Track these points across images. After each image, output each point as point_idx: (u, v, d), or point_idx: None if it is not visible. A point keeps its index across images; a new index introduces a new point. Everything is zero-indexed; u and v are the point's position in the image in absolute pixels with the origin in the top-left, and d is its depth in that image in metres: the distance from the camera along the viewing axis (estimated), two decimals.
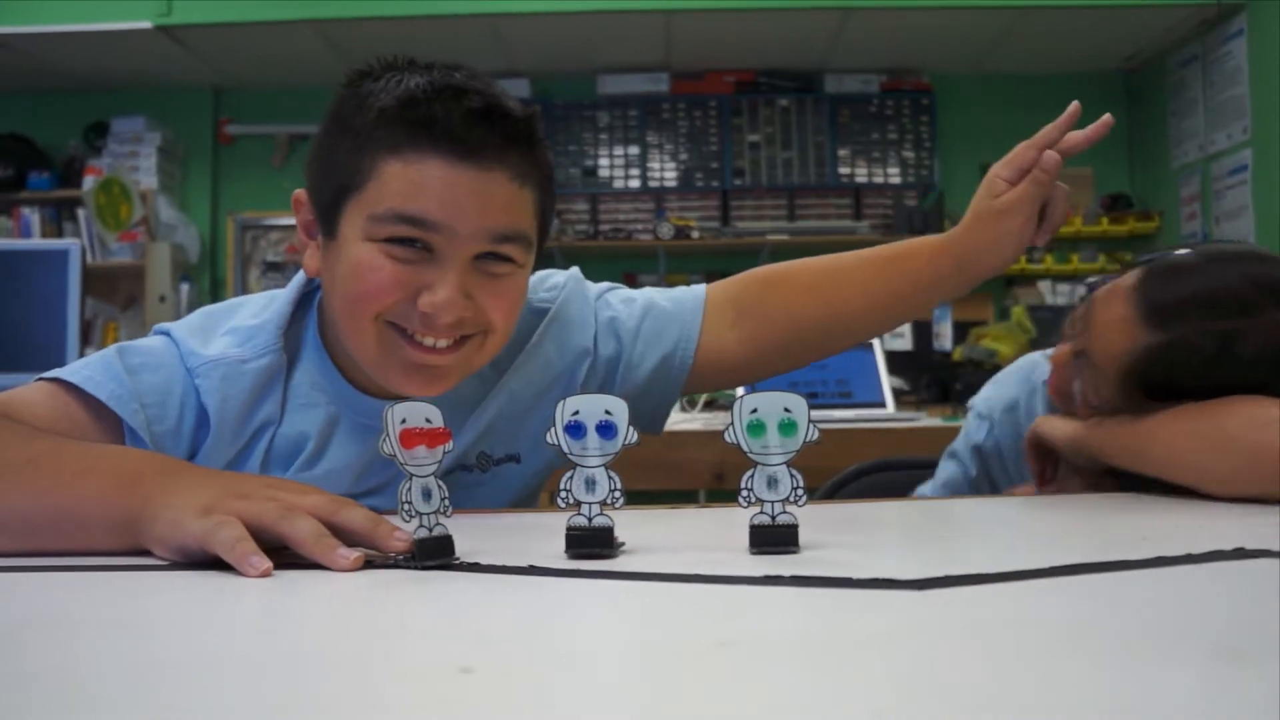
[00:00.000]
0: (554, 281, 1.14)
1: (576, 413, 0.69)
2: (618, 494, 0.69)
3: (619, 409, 0.69)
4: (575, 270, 1.17)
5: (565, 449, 0.69)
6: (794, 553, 0.70)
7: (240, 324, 1.01)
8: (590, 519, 0.69)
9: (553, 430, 0.69)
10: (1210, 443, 0.97)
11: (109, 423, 0.93)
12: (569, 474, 0.70)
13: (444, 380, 0.96)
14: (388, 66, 0.97)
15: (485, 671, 0.42)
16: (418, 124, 0.90)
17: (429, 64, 0.97)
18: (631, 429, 0.69)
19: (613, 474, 0.69)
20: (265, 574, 0.63)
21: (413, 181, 0.90)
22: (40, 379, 0.95)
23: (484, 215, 0.92)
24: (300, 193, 1.00)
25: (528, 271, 0.99)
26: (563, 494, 0.70)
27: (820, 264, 1.16)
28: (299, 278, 1.05)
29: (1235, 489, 0.94)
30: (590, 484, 0.69)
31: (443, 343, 0.94)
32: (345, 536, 0.68)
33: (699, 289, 1.17)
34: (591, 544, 0.69)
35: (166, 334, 1.01)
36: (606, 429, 0.69)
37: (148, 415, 0.94)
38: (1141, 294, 1.06)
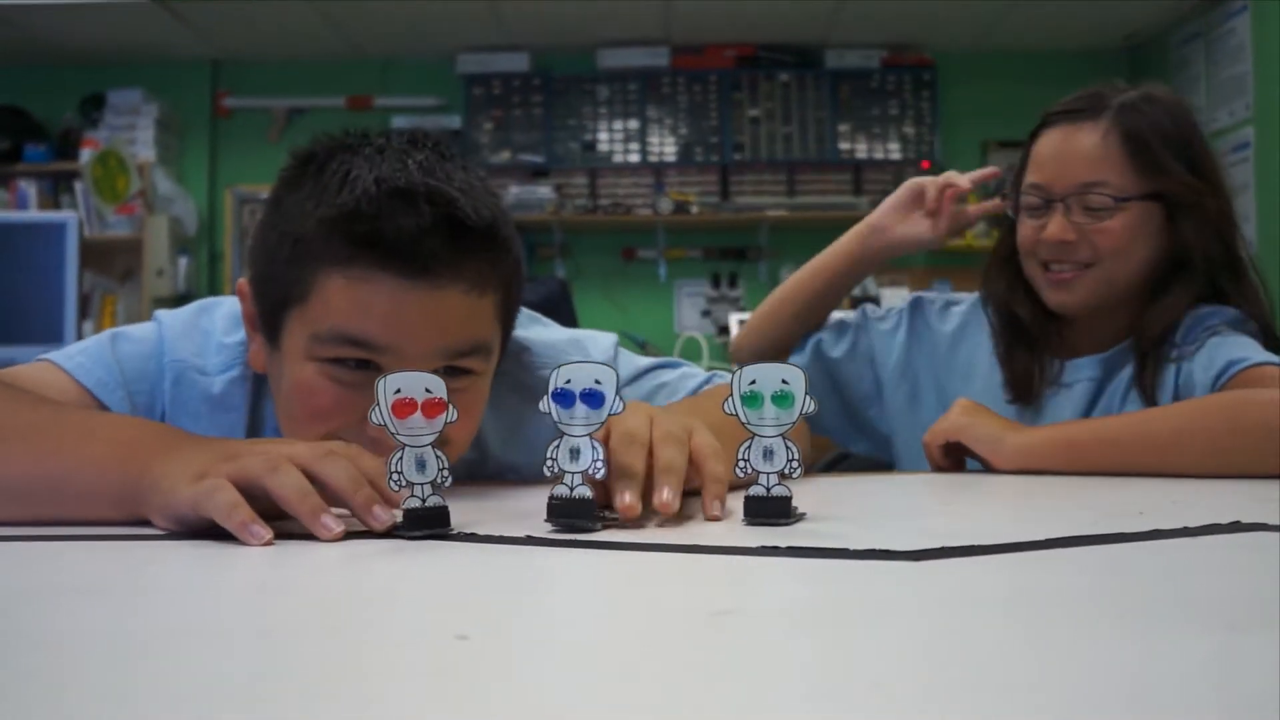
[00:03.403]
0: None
1: (568, 381, 0.69)
2: (599, 464, 0.68)
3: (607, 377, 0.68)
4: (610, 348, 1.11)
5: (555, 417, 0.69)
6: (788, 524, 0.70)
7: (219, 326, 1.00)
8: (572, 489, 0.69)
9: (546, 398, 0.69)
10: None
11: (106, 406, 0.95)
12: (556, 442, 0.69)
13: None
14: (335, 147, 0.89)
15: (481, 639, 0.42)
16: (362, 241, 0.83)
17: (381, 143, 0.89)
18: (619, 398, 0.68)
19: (596, 444, 0.68)
20: (268, 544, 0.63)
21: (357, 300, 0.84)
22: (38, 360, 0.97)
23: (436, 336, 0.86)
24: (243, 283, 0.95)
25: (489, 377, 0.94)
26: (549, 463, 0.69)
27: None
28: None
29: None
30: (575, 454, 0.69)
31: None
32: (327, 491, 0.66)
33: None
34: (571, 514, 0.68)
35: (159, 323, 1.02)
36: (592, 397, 0.68)
37: (135, 404, 0.96)
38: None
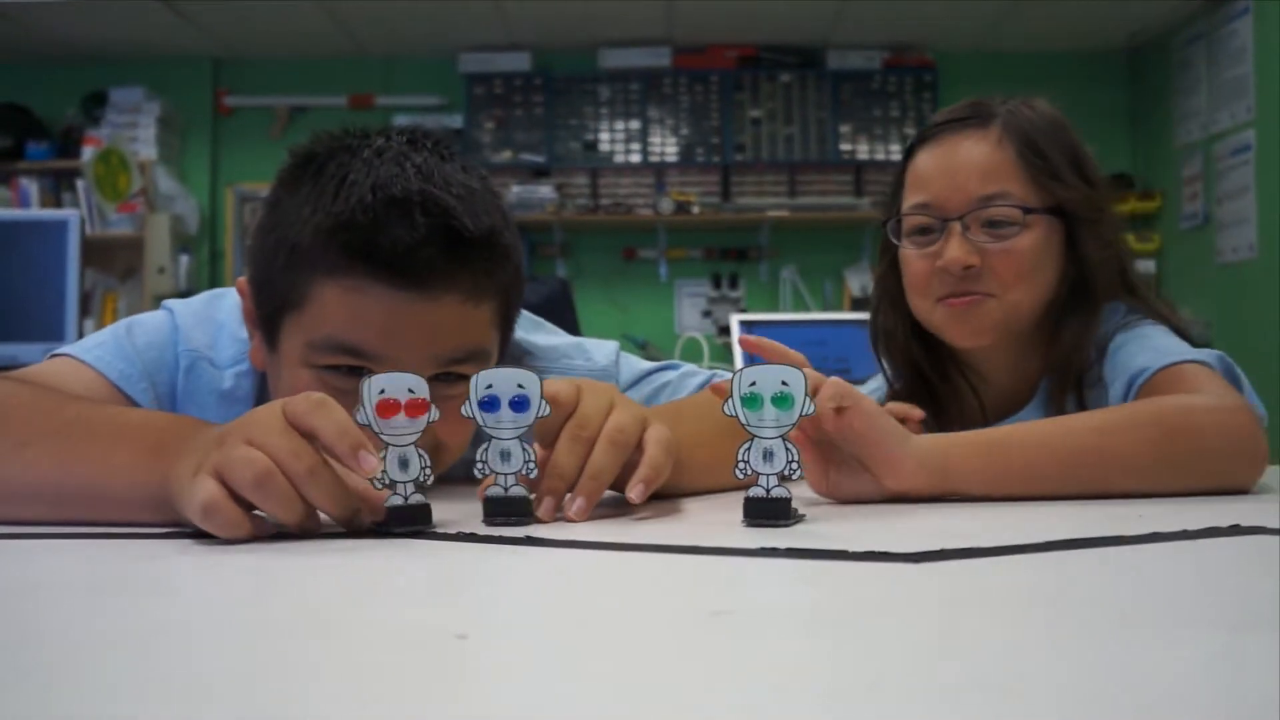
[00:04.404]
0: (586, 365, 1.09)
1: (490, 386, 0.71)
2: (531, 464, 0.71)
3: (531, 382, 0.71)
4: (613, 353, 1.12)
5: (480, 422, 0.71)
6: (787, 525, 0.70)
7: (233, 318, 1.00)
8: (506, 489, 0.71)
9: (468, 403, 0.71)
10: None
11: (130, 397, 0.95)
12: (485, 445, 0.71)
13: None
14: (335, 148, 0.89)
15: (480, 638, 0.42)
16: (357, 251, 0.83)
17: (380, 144, 0.87)
18: (544, 402, 0.71)
19: (526, 445, 0.71)
20: (256, 533, 0.63)
21: (351, 309, 0.84)
22: (55, 354, 0.96)
23: (430, 344, 0.86)
24: (243, 281, 0.95)
25: None
26: (479, 465, 0.71)
27: None
28: None
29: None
30: (505, 455, 0.71)
31: None
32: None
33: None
34: (507, 511, 0.71)
35: (170, 312, 1.02)
36: (519, 404, 0.71)
37: (157, 394, 0.96)
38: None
